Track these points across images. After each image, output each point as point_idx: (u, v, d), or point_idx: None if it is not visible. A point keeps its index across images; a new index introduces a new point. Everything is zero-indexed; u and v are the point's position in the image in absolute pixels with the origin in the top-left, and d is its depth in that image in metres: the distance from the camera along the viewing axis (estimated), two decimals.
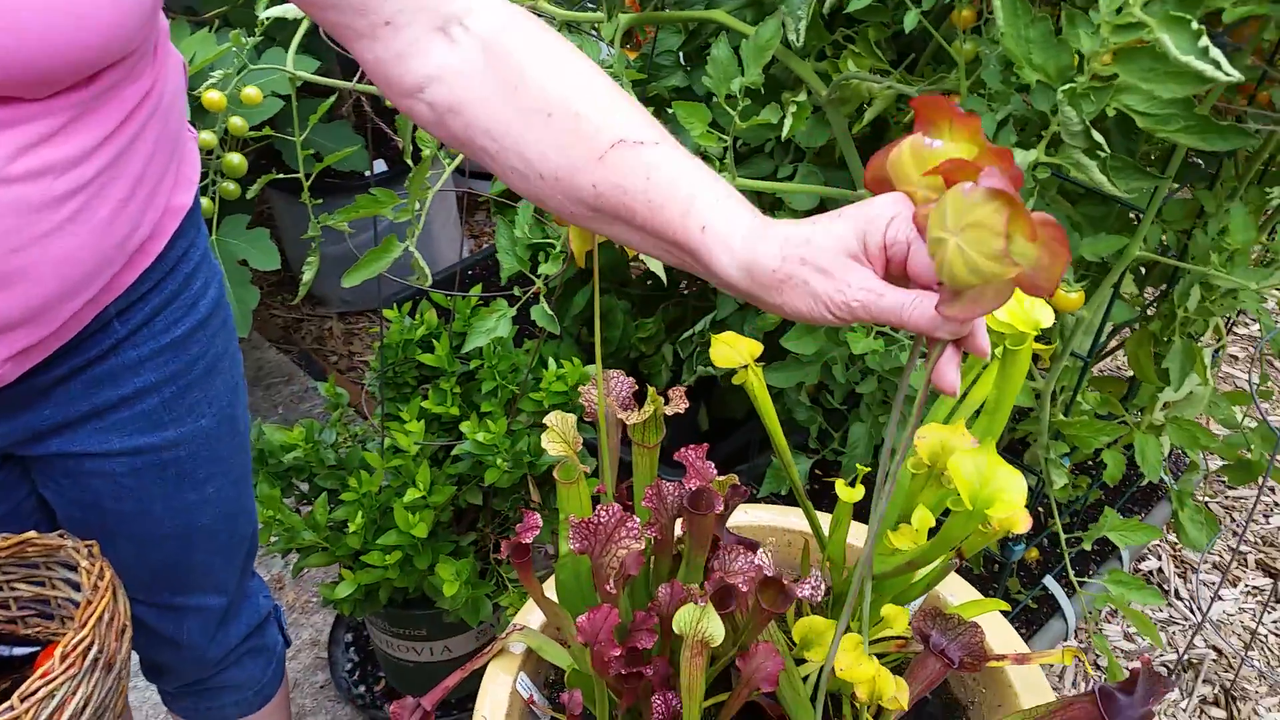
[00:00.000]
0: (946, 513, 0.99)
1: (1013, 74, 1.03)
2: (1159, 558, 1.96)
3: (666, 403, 0.85)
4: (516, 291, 1.23)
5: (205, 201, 1.37)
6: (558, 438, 0.81)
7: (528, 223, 1.20)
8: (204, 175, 1.39)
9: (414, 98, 0.67)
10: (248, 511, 1.08)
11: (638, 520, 0.72)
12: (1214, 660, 1.79)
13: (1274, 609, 1.87)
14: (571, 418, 0.84)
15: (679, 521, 0.82)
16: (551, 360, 1.47)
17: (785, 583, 0.74)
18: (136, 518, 0.97)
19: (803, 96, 1.17)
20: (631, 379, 0.95)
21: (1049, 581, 1.69)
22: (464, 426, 1.39)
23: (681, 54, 1.43)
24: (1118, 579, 1.26)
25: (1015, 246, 0.50)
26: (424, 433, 1.41)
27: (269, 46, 1.76)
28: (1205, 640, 1.81)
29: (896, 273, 0.59)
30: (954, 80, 1.10)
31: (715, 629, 0.71)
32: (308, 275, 1.21)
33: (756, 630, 0.77)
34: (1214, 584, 1.92)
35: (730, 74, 1.03)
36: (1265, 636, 1.82)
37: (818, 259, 0.59)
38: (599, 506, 0.72)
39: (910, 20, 1.02)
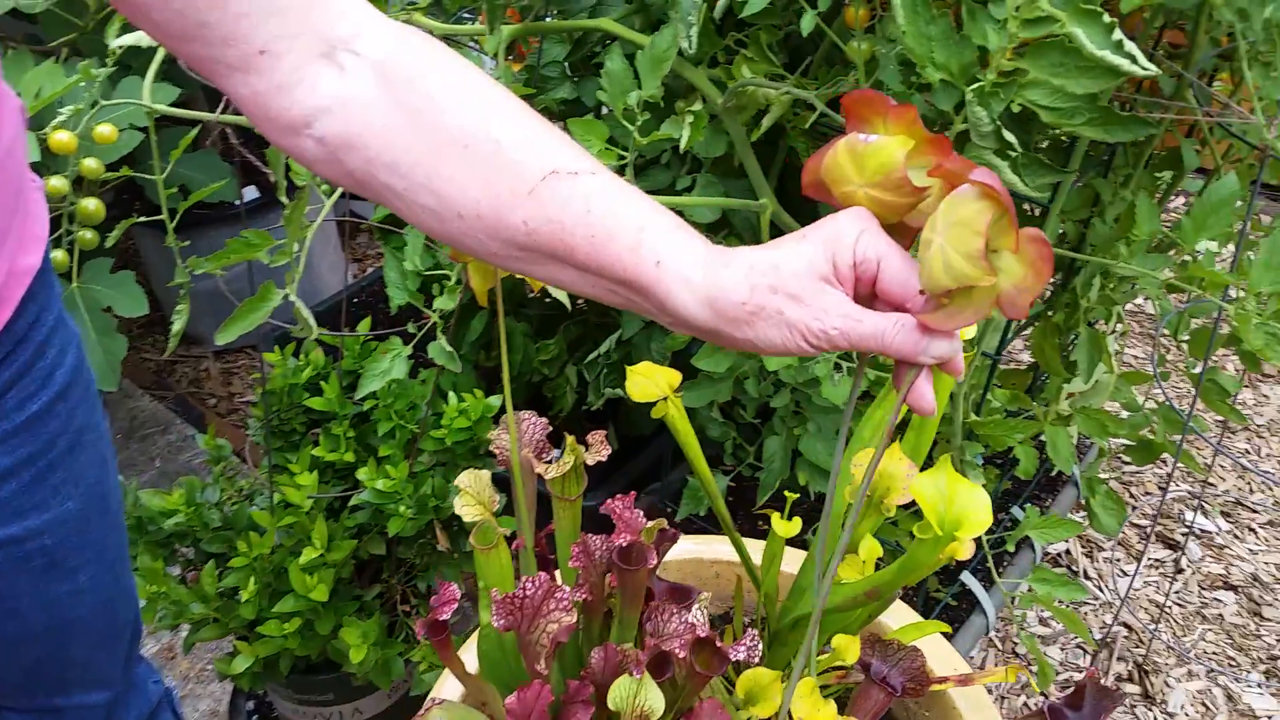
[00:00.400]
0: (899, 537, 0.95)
1: (913, 74, 1.01)
2: (1065, 540, 1.99)
3: (586, 449, 0.79)
4: (410, 327, 1.15)
5: (59, 255, 1.24)
6: (472, 500, 0.74)
7: (419, 254, 1.12)
8: (55, 225, 1.27)
9: (300, 134, 0.58)
10: (127, 594, 0.98)
11: (567, 590, 0.66)
12: (1125, 637, 1.82)
13: (1175, 580, 1.91)
14: (485, 475, 0.77)
15: (609, 575, 0.77)
16: (451, 393, 1.40)
17: (720, 645, 0.69)
18: (3, 618, 0.86)
19: (698, 105, 1.13)
20: (544, 420, 0.89)
21: (967, 578, 1.69)
22: (361, 474, 1.31)
23: (568, 64, 1.37)
24: (1042, 576, 1.25)
25: (997, 256, 0.47)
26: (317, 483, 1.32)
27: (124, 75, 1.63)
28: (1115, 617, 1.84)
29: (864, 292, 0.56)
30: (852, 82, 1.07)
31: (655, 701, 0.65)
32: (177, 325, 1.11)
33: (694, 693, 0.72)
34: (1118, 560, 1.95)
35: (626, 87, 0.98)
36: (1170, 608, 1.86)
37: (788, 285, 0.54)
38: (524, 579, 0.66)
39: (807, 23, 0.99)
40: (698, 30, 1.07)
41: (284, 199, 0.93)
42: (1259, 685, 1.73)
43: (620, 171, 1.07)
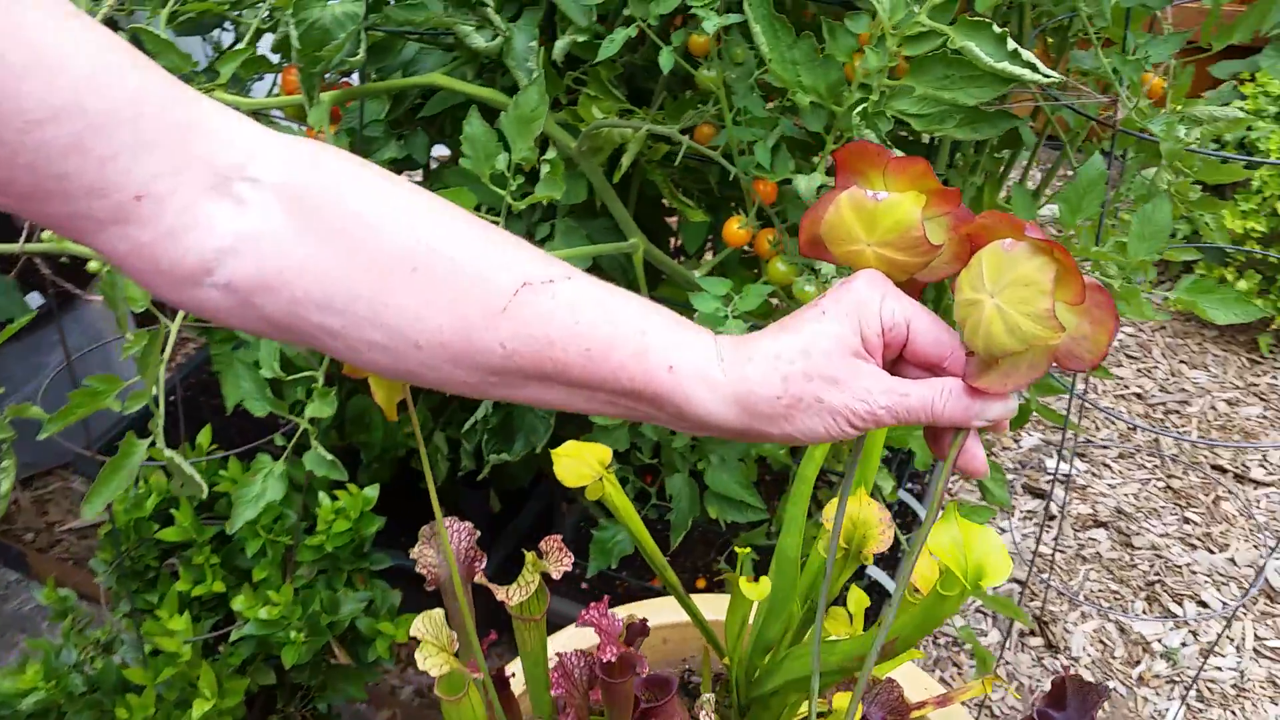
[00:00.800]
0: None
1: (781, 98, 0.98)
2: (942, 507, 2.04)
3: (541, 556, 0.72)
4: (279, 439, 1.03)
5: None
6: (434, 648, 0.65)
7: (275, 358, 1.01)
8: None
9: (200, 285, 0.48)
10: None
11: None
12: (1020, 593, 1.88)
13: (1050, 528, 1.99)
14: (439, 614, 0.68)
15: (591, 690, 0.70)
16: (323, 494, 1.28)
17: None
18: None
19: (552, 153, 1.06)
20: (469, 524, 0.81)
21: (875, 572, 1.70)
22: (238, 604, 1.18)
23: (389, 122, 1.28)
24: None
25: (1059, 309, 0.44)
26: (190, 624, 1.18)
27: None
28: (1010, 578, 1.90)
29: (891, 357, 0.52)
30: (714, 112, 1.04)
31: None
32: (5, 486, 0.96)
33: None
34: (995, 520, 2.02)
35: (490, 151, 0.90)
36: (1051, 555, 1.94)
37: (822, 369, 0.50)
38: None
39: (665, 60, 0.94)
40: (539, 75, 1.01)
41: (128, 335, 0.81)
42: (1143, 612, 1.82)
43: None
